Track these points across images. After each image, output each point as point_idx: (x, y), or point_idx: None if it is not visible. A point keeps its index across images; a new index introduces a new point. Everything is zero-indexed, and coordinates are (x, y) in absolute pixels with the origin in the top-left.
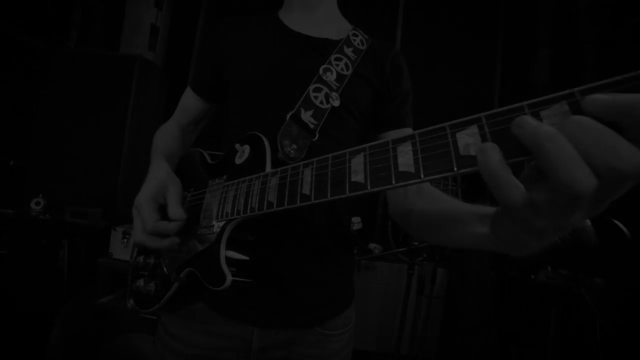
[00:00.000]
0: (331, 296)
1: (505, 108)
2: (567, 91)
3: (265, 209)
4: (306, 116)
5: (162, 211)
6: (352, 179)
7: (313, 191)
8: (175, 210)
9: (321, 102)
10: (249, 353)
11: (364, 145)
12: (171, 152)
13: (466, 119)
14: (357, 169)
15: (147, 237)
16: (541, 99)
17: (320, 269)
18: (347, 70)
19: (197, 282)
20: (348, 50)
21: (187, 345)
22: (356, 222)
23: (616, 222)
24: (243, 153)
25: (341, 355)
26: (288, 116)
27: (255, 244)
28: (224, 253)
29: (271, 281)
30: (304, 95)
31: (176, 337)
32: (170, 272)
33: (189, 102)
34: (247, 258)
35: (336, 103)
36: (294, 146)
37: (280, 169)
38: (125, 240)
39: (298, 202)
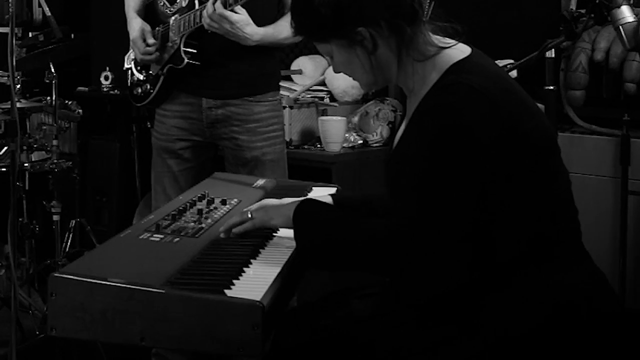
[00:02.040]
0: (252, 77)
1: None
2: None
3: (199, 22)
4: None
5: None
6: None
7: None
8: (152, 41)
9: None
10: (200, 112)
11: None
12: (137, 4)
13: None
14: None
15: (143, 56)
16: None
17: (246, 57)
18: None
19: (173, 73)
20: None
21: (168, 126)
22: None
23: None
24: (184, 1)
25: (264, 116)
26: None
27: (199, 45)
28: (182, 47)
29: (208, 64)
30: None
31: (160, 132)
32: (156, 72)
33: None
34: (195, 51)
35: None
36: None
37: (201, 6)
38: None
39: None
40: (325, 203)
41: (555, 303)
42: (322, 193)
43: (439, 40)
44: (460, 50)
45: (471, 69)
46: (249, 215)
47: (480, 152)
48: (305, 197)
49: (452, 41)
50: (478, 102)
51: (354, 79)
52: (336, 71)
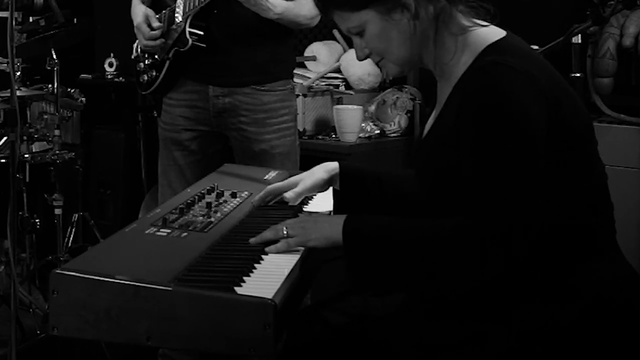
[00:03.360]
0: (261, 64)
1: None
2: None
3: (204, 1)
4: None
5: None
6: None
7: None
8: (157, 24)
9: None
10: (207, 100)
11: None
12: None
13: None
14: None
15: (147, 42)
16: None
17: (255, 43)
18: None
19: (179, 58)
20: None
21: (174, 116)
22: None
23: None
24: None
25: (273, 106)
26: None
27: (206, 27)
28: (187, 29)
29: (216, 50)
30: None
31: (165, 122)
32: (162, 57)
33: None
34: (201, 32)
35: None
36: None
37: None
38: None
39: None
40: (370, 216)
41: (591, 299)
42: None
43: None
44: (494, 32)
45: (508, 51)
46: (284, 233)
47: (534, 134)
48: (345, 216)
49: (486, 23)
50: (522, 83)
51: (385, 57)
52: (361, 56)
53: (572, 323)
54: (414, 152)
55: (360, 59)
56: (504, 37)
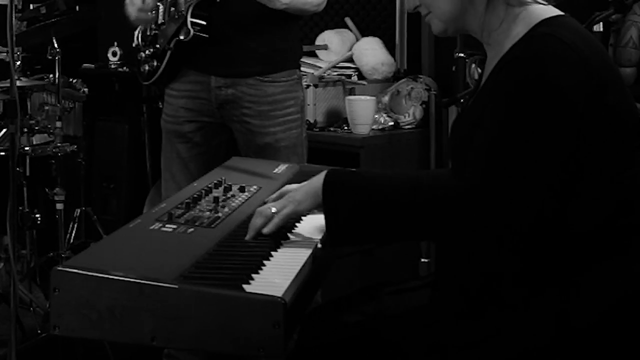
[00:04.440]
0: (265, 54)
1: None
2: None
3: None
4: None
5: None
6: None
7: None
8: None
9: None
10: (209, 91)
11: None
12: None
13: None
14: None
15: (139, 14)
16: None
17: (258, 32)
18: None
19: (180, 49)
20: None
21: (176, 107)
22: None
23: None
24: None
25: (278, 98)
26: None
27: (208, 17)
28: (189, 18)
29: (218, 40)
30: None
31: (168, 114)
32: (164, 47)
33: None
34: (204, 22)
35: None
36: None
37: None
38: None
39: None
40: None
41: (617, 297)
42: None
43: None
44: (552, 10)
45: (563, 26)
46: (273, 210)
47: (566, 113)
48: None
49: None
50: (567, 56)
51: (432, 11)
52: (411, 6)
53: (594, 321)
54: (452, 129)
55: (409, 10)
56: (561, 15)
